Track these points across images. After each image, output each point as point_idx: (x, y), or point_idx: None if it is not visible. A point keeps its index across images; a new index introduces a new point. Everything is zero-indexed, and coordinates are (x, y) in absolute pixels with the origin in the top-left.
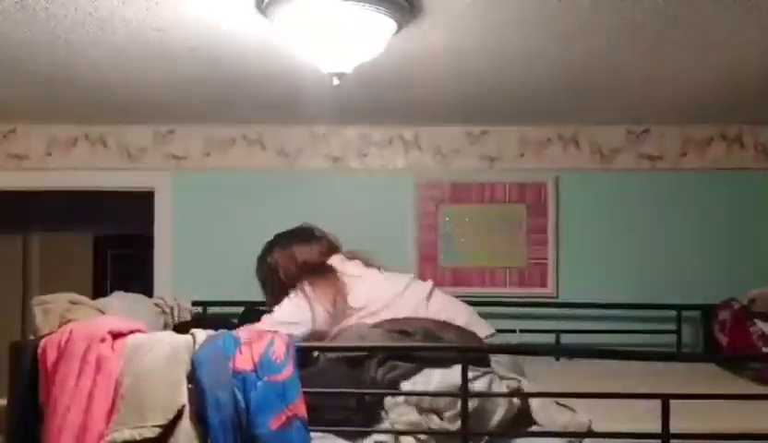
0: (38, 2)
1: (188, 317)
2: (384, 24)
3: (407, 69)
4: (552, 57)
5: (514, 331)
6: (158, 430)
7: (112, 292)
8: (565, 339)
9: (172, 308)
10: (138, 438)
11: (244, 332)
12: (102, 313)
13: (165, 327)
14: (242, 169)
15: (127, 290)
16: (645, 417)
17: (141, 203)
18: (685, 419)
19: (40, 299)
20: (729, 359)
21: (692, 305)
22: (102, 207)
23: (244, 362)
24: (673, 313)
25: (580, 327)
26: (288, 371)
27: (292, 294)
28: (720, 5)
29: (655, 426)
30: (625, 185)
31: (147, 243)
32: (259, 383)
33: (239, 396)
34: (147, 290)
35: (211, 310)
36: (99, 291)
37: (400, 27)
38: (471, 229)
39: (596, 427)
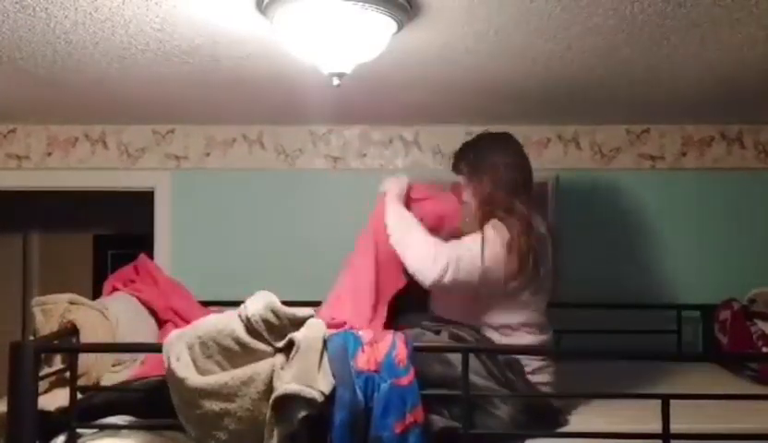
0: (38, 2)
1: None
2: (384, 24)
3: (407, 69)
4: (552, 57)
5: None
6: (323, 397)
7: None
8: (565, 339)
9: None
10: (307, 396)
11: (364, 332)
12: (103, 314)
13: None
14: (242, 169)
15: None
16: (645, 417)
17: (141, 203)
18: (685, 419)
19: (39, 300)
20: (729, 359)
21: (692, 305)
22: (102, 207)
23: (366, 362)
24: (673, 313)
25: (580, 327)
26: (411, 376)
27: None
28: (720, 4)
29: (655, 426)
30: (625, 185)
31: (147, 243)
32: (384, 385)
33: (360, 396)
34: None
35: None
36: (99, 291)
37: (400, 27)
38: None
39: (596, 427)
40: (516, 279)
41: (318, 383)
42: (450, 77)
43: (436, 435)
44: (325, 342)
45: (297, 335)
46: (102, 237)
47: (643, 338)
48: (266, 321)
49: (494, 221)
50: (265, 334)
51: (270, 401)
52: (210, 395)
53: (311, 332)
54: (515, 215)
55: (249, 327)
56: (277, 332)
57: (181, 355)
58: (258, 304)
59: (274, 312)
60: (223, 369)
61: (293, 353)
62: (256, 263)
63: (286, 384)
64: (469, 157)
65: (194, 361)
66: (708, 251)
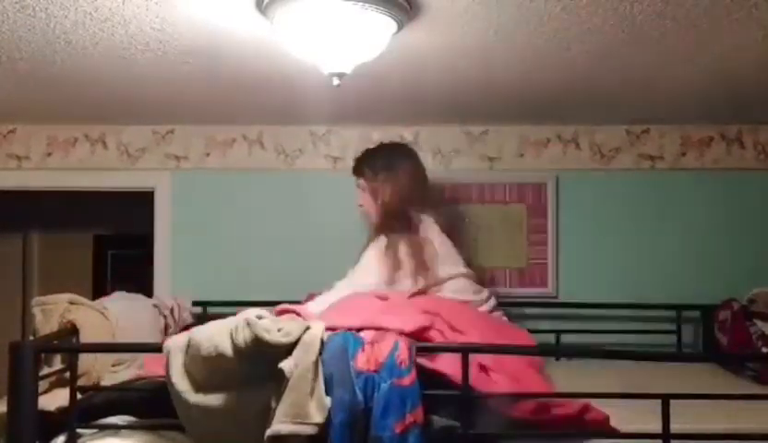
0: (38, 2)
1: (189, 318)
2: (384, 24)
3: (407, 69)
4: (552, 57)
5: None
6: (317, 428)
7: (112, 292)
8: (565, 339)
9: (171, 309)
10: (300, 433)
11: (366, 332)
12: (103, 314)
13: (166, 327)
14: (242, 169)
15: (128, 290)
16: (645, 417)
17: (141, 203)
18: (685, 419)
19: (39, 300)
20: (729, 359)
21: (692, 305)
22: (102, 207)
23: (366, 362)
24: (673, 313)
25: (580, 327)
26: (412, 376)
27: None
28: (720, 5)
29: (655, 426)
30: (625, 185)
31: (147, 243)
32: (384, 385)
33: (360, 396)
34: (147, 290)
35: (211, 310)
36: (99, 291)
37: (400, 27)
38: (471, 229)
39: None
40: (395, 276)
41: (312, 414)
42: (450, 77)
43: (435, 435)
44: (319, 361)
45: (287, 365)
46: (102, 237)
47: (643, 338)
48: (257, 348)
49: (383, 236)
50: (256, 360)
51: (265, 438)
52: (206, 412)
53: (304, 357)
54: (404, 222)
55: (240, 352)
56: (269, 357)
57: (176, 364)
58: (246, 332)
59: (264, 343)
60: (215, 382)
61: (283, 385)
62: (256, 263)
63: (280, 423)
64: (375, 163)
65: (189, 373)
66: (708, 251)
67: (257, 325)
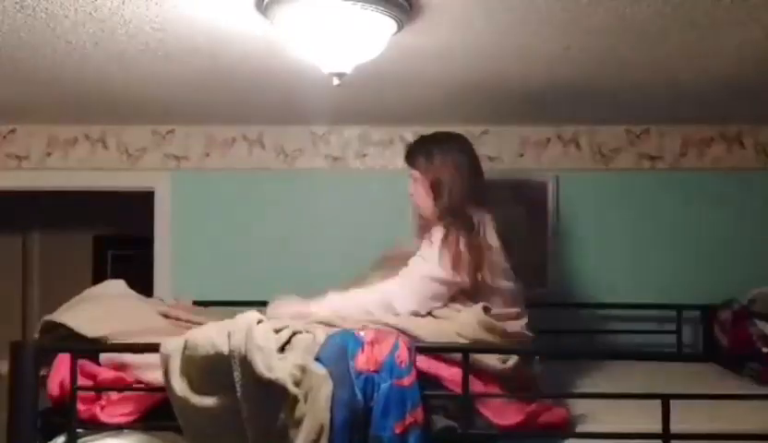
0: (38, 2)
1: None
2: (384, 24)
3: (407, 69)
4: (552, 57)
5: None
6: None
7: None
8: (565, 339)
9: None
10: None
11: (367, 332)
12: None
13: None
14: (242, 169)
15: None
16: (646, 417)
17: (141, 203)
18: (685, 419)
19: None
20: (729, 359)
21: (692, 305)
22: (102, 207)
23: (366, 362)
24: (673, 313)
25: (580, 327)
26: (412, 376)
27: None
28: (720, 4)
29: (655, 426)
30: (625, 185)
31: (147, 243)
32: (384, 385)
33: (359, 396)
34: (147, 290)
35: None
36: None
37: (400, 27)
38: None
39: (596, 427)
40: (455, 277)
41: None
42: (451, 76)
43: (435, 435)
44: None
45: (299, 394)
46: (102, 237)
47: (643, 338)
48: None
49: (439, 227)
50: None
51: None
52: (205, 414)
53: (313, 383)
54: (466, 220)
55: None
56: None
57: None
58: (261, 366)
59: (270, 381)
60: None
61: (298, 413)
62: (255, 263)
63: None
64: (430, 151)
65: (186, 374)
66: (708, 251)
67: (255, 359)
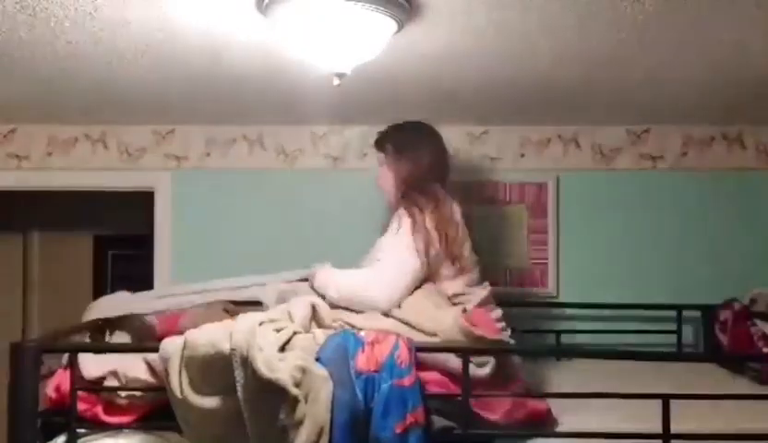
0: (38, 2)
1: None
2: (384, 24)
3: (407, 69)
4: (552, 57)
5: (514, 331)
6: None
7: (113, 292)
8: (565, 339)
9: None
10: None
11: (367, 332)
12: None
13: None
14: (242, 169)
15: (128, 291)
16: (645, 417)
17: (141, 203)
18: (685, 419)
19: None
20: (729, 359)
21: (692, 305)
22: (102, 207)
23: (366, 362)
24: (673, 313)
25: (580, 327)
26: (413, 376)
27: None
28: (721, 5)
29: (655, 426)
30: (625, 185)
31: (147, 243)
32: (385, 385)
33: (360, 396)
34: (147, 290)
35: None
36: (99, 291)
37: (400, 27)
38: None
39: (596, 427)
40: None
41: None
42: (450, 76)
43: (433, 435)
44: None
45: (299, 395)
46: (102, 237)
47: (643, 338)
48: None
49: (404, 207)
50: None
51: None
52: (204, 414)
53: (313, 384)
54: (429, 196)
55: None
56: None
57: (174, 365)
58: (261, 366)
59: (270, 381)
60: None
61: (298, 414)
62: (255, 263)
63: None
64: (398, 139)
65: (186, 375)
66: (708, 251)
67: (255, 359)
